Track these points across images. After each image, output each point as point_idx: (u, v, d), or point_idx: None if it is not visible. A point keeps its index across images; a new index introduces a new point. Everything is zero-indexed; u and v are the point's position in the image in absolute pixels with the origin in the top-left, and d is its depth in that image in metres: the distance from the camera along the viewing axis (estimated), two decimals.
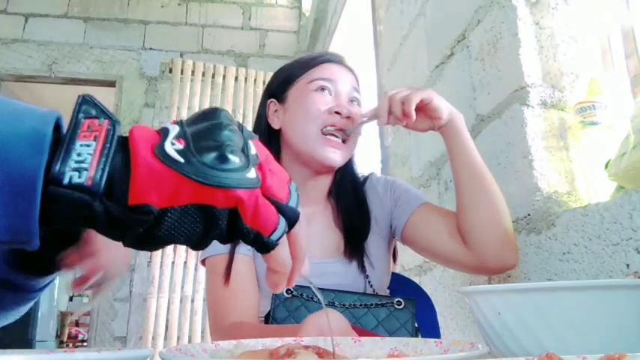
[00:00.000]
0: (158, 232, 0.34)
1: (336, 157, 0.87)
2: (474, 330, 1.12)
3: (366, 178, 1.00)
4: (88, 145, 0.31)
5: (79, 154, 0.31)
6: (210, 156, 0.34)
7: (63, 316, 6.24)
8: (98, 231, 0.34)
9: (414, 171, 1.62)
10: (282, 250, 0.38)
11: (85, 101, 0.34)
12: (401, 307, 0.84)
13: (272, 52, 3.83)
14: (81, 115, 0.33)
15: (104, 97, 3.73)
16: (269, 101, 0.95)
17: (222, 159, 0.34)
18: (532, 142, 0.97)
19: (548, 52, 1.02)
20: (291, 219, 0.38)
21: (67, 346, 5.98)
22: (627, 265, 0.73)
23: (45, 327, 5.11)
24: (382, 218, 0.95)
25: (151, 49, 3.66)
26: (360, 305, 0.82)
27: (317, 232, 0.93)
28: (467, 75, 1.24)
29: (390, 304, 0.84)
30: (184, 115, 3.05)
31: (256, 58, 3.78)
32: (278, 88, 0.95)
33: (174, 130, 0.36)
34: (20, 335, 4.32)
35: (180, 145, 0.34)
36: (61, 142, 0.32)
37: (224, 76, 3.20)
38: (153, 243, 0.34)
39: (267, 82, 1.02)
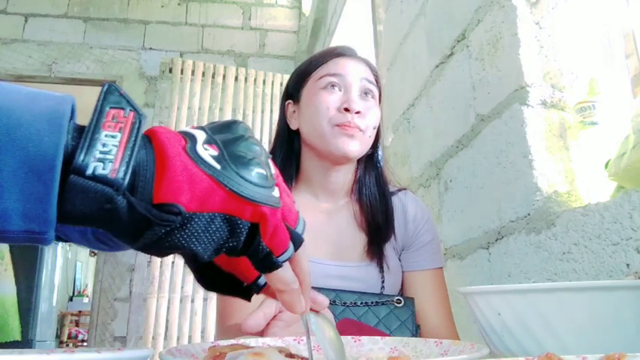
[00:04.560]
0: (180, 237, 0.32)
1: (348, 145, 0.84)
2: (474, 330, 1.12)
3: (398, 190, 0.97)
4: (113, 137, 0.30)
5: (104, 145, 0.29)
6: (244, 167, 0.34)
7: (63, 316, 6.25)
8: (113, 230, 0.32)
9: (413, 171, 1.62)
10: (286, 271, 0.38)
11: (110, 90, 0.32)
12: (401, 305, 0.84)
13: (272, 52, 3.83)
14: (105, 104, 0.31)
15: None
16: (287, 103, 0.95)
17: (255, 172, 0.34)
18: (532, 142, 0.97)
19: (548, 52, 1.02)
20: (297, 243, 0.38)
21: (67, 346, 5.98)
22: (627, 265, 0.73)
23: (45, 327, 5.11)
24: (398, 235, 0.93)
25: (150, 49, 3.66)
26: (361, 304, 0.82)
27: (336, 230, 0.91)
28: (467, 75, 1.24)
29: (390, 302, 0.84)
30: (184, 115, 3.05)
31: (256, 58, 3.78)
32: (293, 88, 0.94)
33: (201, 135, 0.35)
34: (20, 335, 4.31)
35: (214, 152, 0.34)
36: (84, 130, 0.30)
37: (224, 76, 3.20)
38: (168, 248, 0.33)
39: (284, 84, 1.00)
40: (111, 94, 0.32)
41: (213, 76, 3.17)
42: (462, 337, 0.93)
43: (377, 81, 0.92)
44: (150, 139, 0.33)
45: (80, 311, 6.40)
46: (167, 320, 2.79)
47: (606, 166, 0.91)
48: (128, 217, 0.31)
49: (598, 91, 0.97)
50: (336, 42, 3.05)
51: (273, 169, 0.37)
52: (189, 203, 0.32)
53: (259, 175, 0.34)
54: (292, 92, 0.94)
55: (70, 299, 6.88)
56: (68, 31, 3.61)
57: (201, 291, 2.85)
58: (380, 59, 2.03)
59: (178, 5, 3.82)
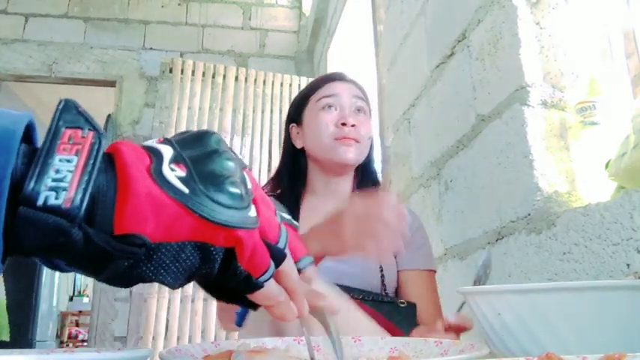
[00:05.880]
0: (146, 269, 0.29)
1: (348, 154, 0.96)
2: (474, 330, 1.12)
3: None
4: (68, 161, 0.27)
5: (57, 171, 0.26)
6: (216, 189, 0.31)
7: (63, 316, 6.25)
8: (71, 263, 0.29)
9: (414, 171, 1.62)
10: (268, 288, 0.36)
11: (66, 107, 0.29)
12: (404, 306, 0.90)
13: (272, 52, 3.83)
14: (61, 124, 0.28)
15: (104, 97, 3.75)
16: (290, 126, 1.07)
17: (228, 193, 0.31)
18: (532, 142, 0.97)
19: (549, 52, 1.02)
20: (279, 260, 0.35)
21: (67, 346, 5.98)
22: (628, 265, 0.73)
23: (45, 327, 5.11)
24: None
25: (151, 49, 3.66)
26: (365, 299, 0.88)
27: None
28: (467, 75, 1.24)
29: (394, 304, 0.90)
30: (184, 116, 3.05)
31: (256, 58, 3.78)
32: (295, 112, 1.07)
33: (168, 151, 0.31)
34: (20, 335, 4.31)
35: (181, 172, 0.31)
36: (36, 154, 0.27)
37: (224, 76, 3.20)
38: (133, 280, 0.30)
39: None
40: (67, 111, 0.29)
41: (213, 76, 3.17)
42: (462, 337, 0.93)
43: (366, 98, 1.05)
44: (112, 158, 0.30)
45: (80, 311, 6.40)
46: (167, 320, 2.79)
47: (607, 166, 0.91)
48: (86, 250, 0.28)
49: (598, 91, 0.97)
50: (336, 42, 3.05)
51: (249, 184, 0.34)
52: (154, 233, 0.29)
53: (233, 196, 0.31)
54: (294, 116, 1.07)
55: (70, 299, 6.88)
56: (68, 31, 3.61)
57: (201, 291, 2.85)
58: (380, 59, 2.03)
59: (178, 5, 3.82)
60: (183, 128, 3.03)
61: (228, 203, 0.31)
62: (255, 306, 0.39)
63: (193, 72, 3.14)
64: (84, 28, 3.65)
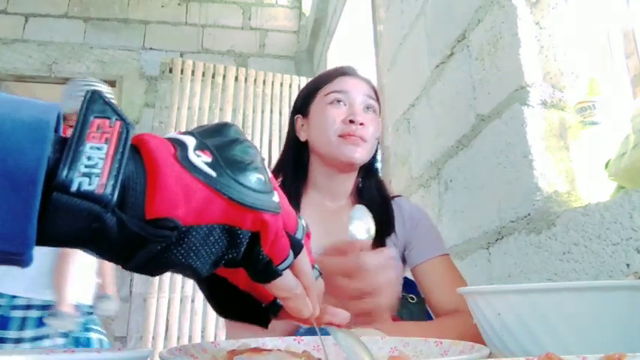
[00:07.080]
0: (177, 253, 0.30)
1: (355, 153, 0.92)
2: None
3: (394, 197, 1.04)
4: (99, 149, 0.27)
5: (89, 158, 0.27)
6: (242, 173, 0.32)
7: None
8: (102, 251, 0.30)
9: (414, 171, 1.62)
10: (287, 278, 0.36)
11: (93, 98, 0.30)
12: (414, 302, 0.89)
13: (272, 52, 3.83)
14: (89, 113, 0.29)
15: None
16: (295, 117, 1.03)
17: (254, 178, 0.32)
18: (532, 142, 0.97)
19: (549, 52, 1.02)
20: (297, 250, 0.36)
21: None
22: (627, 265, 0.73)
23: None
24: (400, 236, 0.98)
25: (151, 49, 3.66)
26: None
27: (340, 227, 0.94)
28: (467, 75, 1.24)
29: (404, 299, 0.88)
30: (184, 115, 3.05)
31: (256, 58, 3.78)
32: (301, 104, 1.02)
33: (191, 140, 0.32)
34: None
35: (207, 158, 0.31)
36: (67, 142, 0.27)
37: (224, 76, 3.20)
38: (164, 266, 0.31)
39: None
40: (94, 102, 0.29)
41: (213, 76, 3.17)
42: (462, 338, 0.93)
43: (377, 97, 1.00)
44: (138, 148, 0.31)
45: None
46: (167, 320, 2.79)
47: (606, 166, 0.91)
48: (119, 236, 0.28)
49: (598, 91, 0.97)
50: (336, 42, 3.05)
51: (269, 173, 0.35)
52: (185, 216, 0.29)
53: (258, 181, 0.32)
54: (301, 107, 1.02)
55: None
56: (68, 31, 3.61)
57: (201, 291, 2.85)
58: (380, 59, 2.03)
59: (178, 5, 3.82)
60: (183, 128, 3.03)
61: (254, 187, 0.32)
62: (266, 323, 0.40)
63: (193, 72, 3.14)
64: (84, 28, 3.65)
